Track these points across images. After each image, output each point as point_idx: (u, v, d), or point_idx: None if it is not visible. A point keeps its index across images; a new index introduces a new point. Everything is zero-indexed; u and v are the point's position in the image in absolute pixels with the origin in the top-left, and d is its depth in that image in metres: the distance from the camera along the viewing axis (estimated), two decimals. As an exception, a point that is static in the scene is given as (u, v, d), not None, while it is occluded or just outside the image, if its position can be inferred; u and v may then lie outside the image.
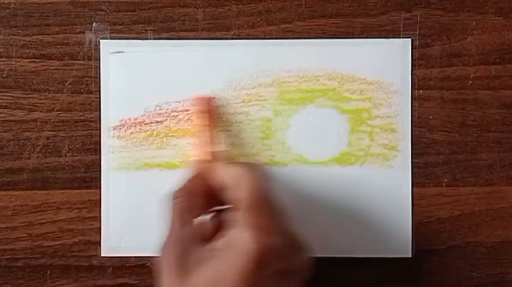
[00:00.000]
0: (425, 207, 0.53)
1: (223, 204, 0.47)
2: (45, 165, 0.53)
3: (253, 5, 0.53)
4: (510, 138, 0.53)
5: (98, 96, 0.53)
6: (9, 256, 0.53)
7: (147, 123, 0.53)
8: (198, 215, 0.46)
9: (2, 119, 0.53)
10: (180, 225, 0.44)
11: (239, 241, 0.41)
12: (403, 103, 0.53)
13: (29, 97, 0.53)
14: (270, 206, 0.43)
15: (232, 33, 0.53)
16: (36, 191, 0.53)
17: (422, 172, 0.53)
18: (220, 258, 0.41)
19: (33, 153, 0.53)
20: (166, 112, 0.53)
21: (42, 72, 0.53)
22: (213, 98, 0.53)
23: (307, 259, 0.44)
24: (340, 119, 0.53)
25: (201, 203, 0.46)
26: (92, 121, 0.53)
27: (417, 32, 0.53)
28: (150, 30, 0.53)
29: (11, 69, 0.53)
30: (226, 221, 0.45)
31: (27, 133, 0.53)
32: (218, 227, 0.45)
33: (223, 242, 0.42)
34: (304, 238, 0.45)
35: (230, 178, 0.45)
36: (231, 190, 0.45)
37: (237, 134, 0.53)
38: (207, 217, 0.47)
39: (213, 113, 0.52)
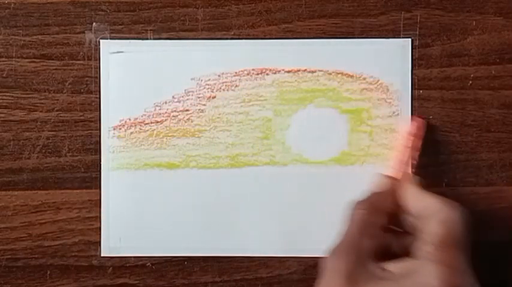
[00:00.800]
0: (425, 207, 0.53)
1: (400, 226, 0.47)
2: (45, 165, 0.53)
3: (253, 5, 0.53)
4: (510, 139, 0.53)
5: (98, 96, 0.53)
6: (9, 256, 0.54)
7: (147, 123, 0.53)
8: (377, 232, 0.45)
9: (2, 119, 0.53)
10: (359, 235, 0.44)
11: (424, 274, 0.41)
12: (403, 103, 0.53)
13: (29, 97, 0.53)
14: (461, 246, 0.43)
15: (232, 33, 0.53)
16: (36, 191, 0.53)
17: (422, 172, 0.53)
18: (396, 283, 0.41)
19: (33, 153, 0.53)
20: (166, 112, 0.53)
21: (42, 72, 0.53)
22: (424, 122, 0.52)
23: None
24: (340, 119, 0.53)
25: (383, 220, 0.45)
26: (92, 121, 0.53)
27: (417, 32, 0.53)
28: (150, 30, 0.53)
29: (11, 69, 0.53)
30: (409, 249, 0.44)
31: (27, 133, 0.53)
32: (393, 249, 0.45)
33: (402, 269, 0.42)
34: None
35: (423, 207, 0.45)
36: (422, 220, 0.44)
37: (237, 134, 0.53)
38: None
39: (419, 137, 0.51)
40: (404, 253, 0.45)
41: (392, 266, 0.43)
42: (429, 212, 0.44)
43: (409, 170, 0.50)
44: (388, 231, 0.47)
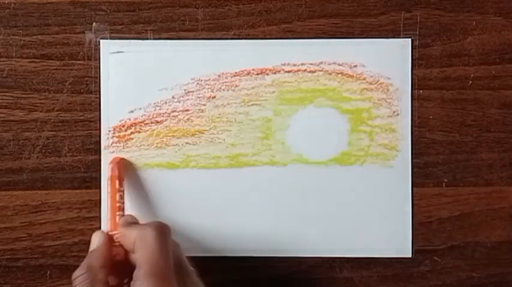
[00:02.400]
0: (425, 207, 0.53)
1: None
2: (45, 165, 0.53)
3: (253, 5, 0.53)
4: (510, 139, 0.53)
5: (98, 96, 0.53)
6: (9, 256, 0.53)
7: (147, 123, 0.53)
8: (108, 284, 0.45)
9: (2, 119, 0.53)
10: None
11: None
12: (403, 103, 0.53)
13: (29, 97, 0.53)
14: (166, 271, 0.43)
15: (232, 33, 0.53)
16: (36, 191, 0.53)
17: (422, 172, 0.53)
18: None
19: (33, 153, 0.53)
20: (166, 112, 0.53)
21: (42, 72, 0.53)
22: (121, 159, 0.52)
23: None
24: (340, 119, 0.53)
25: (104, 275, 0.45)
26: (92, 121, 0.53)
27: (417, 32, 0.53)
28: (150, 30, 0.53)
29: (11, 69, 0.53)
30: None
31: (27, 133, 0.53)
32: None
33: None
34: None
35: (128, 243, 0.46)
36: (133, 255, 0.45)
37: (237, 134, 0.53)
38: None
39: (120, 177, 0.51)
40: None
41: None
42: (133, 244, 0.45)
43: (118, 214, 0.49)
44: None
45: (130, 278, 0.44)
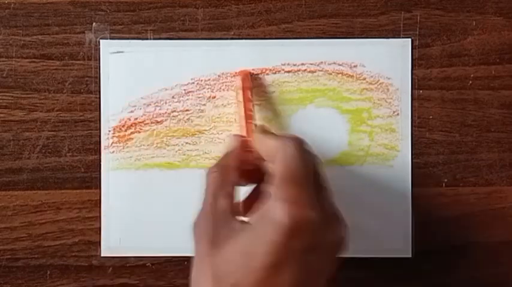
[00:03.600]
0: (425, 207, 0.53)
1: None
2: (45, 165, 0.53)
3: (253, 5, 0.53)
4: (510, 138, 0.53)
5: (98, 96, 0.53)
6: (9, 256, 0.54)
7: (147, 123, 0.53)
8: (231, 190, 0.45)
9: (2, 119, 0.53)
10: (212, 199, 0.44)
11: (271, 213, 0.41)
12: (403, 103, 0.53)
13: (29, 97, 0.53)
14: (304, 179, 0.42)
15: (232, 33, 0.53)
16: (36, 191, 0.53)
17: (422, 172, 0.53)
18: (251, 230, 0.41)
19: (33, 153, 0.53)
20: (166, 112, 0.53)
21: (42, 72, 0.53)
22: (252, 73, 0.52)
23: (341, 235, 0.44)
24: (340, 119, 0.53)
25: (236, 177, 0.45)
26: (92, 121, 0.53)
27: (417, 32, 0.53)
28: (150, 30, 0.53)
29: (11, 69, 0.53)
30: (262, 195, 0.44)
31: (27, 133, 0.53)
32: (256, 201, 0.45)
33: (256, 215, 0.42)
34: (341, 215, 0.44)
35: (265, 150, 0.46)
36: (267, 163, 0.45)
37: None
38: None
39: (250, 88, 0.51)
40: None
41: (252, 216, 0.43)
42: (270, 154, 0.44)
43: (251, 122, 0.49)
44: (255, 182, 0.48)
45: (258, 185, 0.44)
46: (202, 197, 0.45)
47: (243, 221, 0.43)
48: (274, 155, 0.44)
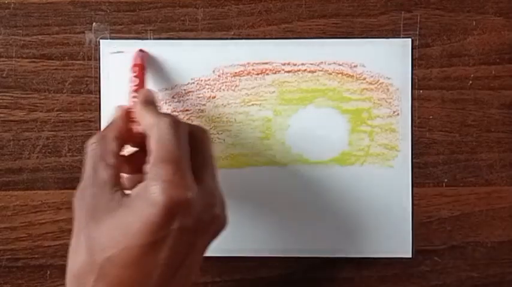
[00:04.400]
0: (425, 207, 0.53)
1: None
2: (45, 165, 0.53)
3: (253, 5, 0.53)
4: (510, 138, 0.53)
5: (98, 96, 0.53)
6: (9, 256, 0.53)
7: (147, 123, 0.53)
8: (118, 160, 0.44)
9: (2, 119, 0.53)
10: (92, 171, 0.43)
11: (148, 192, 0.41)
12: (403, 103, 0.53)
13: (29, 97, 0.53)
14: (179, 158, 0.42)
15: (232, 33, 0.53)
16: (36, 191, 0.53)
17: (422, 172, 0.53)
18: (129, 207, 0.41)
19: (33, 153, 0.53)
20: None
21: (42, 72, 0.53)
22: (144, 53, 0.52)
23: (220, 215, 0.44)
24: (340, 119, 0.53)
25: (116, 147, 0.44)
26: (92, 121, 0.53)
27: (417, 32, 0.53)
28: (150, 30, 0.53)
29: (11, 69, 0.53)
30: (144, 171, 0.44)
31: (27, 133, 0.53)
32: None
33: (135, 193, 0.42)
34: (221, 194, 0.44)
35: (144, 125, 0.45)
36: (147, 139, 0.44)
37: (237, 134, 0.53)
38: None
39: (140, 66, 0.50)
40: None
41: (132, 193, 0.42)
42: (148, 130, 0.44)
43: (135, 96, 0.48)
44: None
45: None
46: (84, 170, 0.44)
47: (123, 194, 0.42)
48: (149, 131, 0.44)
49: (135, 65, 0.50)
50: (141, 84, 0.50)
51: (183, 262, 0.42)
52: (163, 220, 0.40)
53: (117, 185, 0.43)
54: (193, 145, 0.44)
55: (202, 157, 0.45)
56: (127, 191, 0.43)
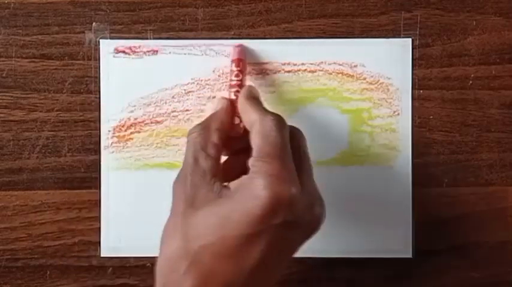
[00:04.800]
0: (426, 207, 0.53)
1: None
2: (45, 165, 0.53)
3: (253, 5, 0.53)
4: (510, 138, 0.53)
5: (98, 96, 0.53)
6: (9, 256, 0.53)
7: (147, 123, 0.53)
8: (219, 151, 0.45)
9: (2, 119, 0.53)
10: (192, 160, 0.44)
11: (252, 186, 0.41)
12: (403, 103, 0.53)
13: (29, 97, 0.53)
14: (283, 154, 0.42)
15: (232, 33, 0.53)
16: (36, 191, 0.53)
17: (422, 172, 0.53)
18: (231, 197, 0.41)
19: (33, 153, 0.53)
20: (166, 112, 0.53)
21: (42, 72, 0.53)
22: (242, 46, 0.52)
23: (319, 215, 0.44)
24: (340, 119, 0.53)
25: (218, 139, 0.45)
26: (92, 121, 0.53)
27: (417, 32, 0.53)
28: (150, 30, 0.53)
29: (11, 69, 0.53)
30: (246, 165, 0.44)
31: (27, 133, 0.53)
32: (240, 168, 0.45)
33: (236, 185, 0.42)
34: (320, 194, 0.44)
35: (248, 120, 0.45)
36: (250, 134, 0.44)
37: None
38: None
39: (241, 60, 0.51)
40: None
41: (232, 185, 0.43)
42: (251, 125, 0.44)
43: (238, 90, 0.49)
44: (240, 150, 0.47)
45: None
46: (183, 157, 0.45)
47: (223, 186, 0.43)
48: (253, 126, 0.44)
49: (236, 60, 0.50)
50: (243, 79, 0.50)
51: (277, 258, 0.42)
52: (266, 214, 0.40)
53: (216, 176, 0.43)
54: (292, 145, 0.44)
55: (301, 157, 0.45)
56: (225, 184, 0.43)
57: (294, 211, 0.41)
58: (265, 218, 0.40)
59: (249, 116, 0.45)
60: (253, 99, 0.47)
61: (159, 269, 0.42)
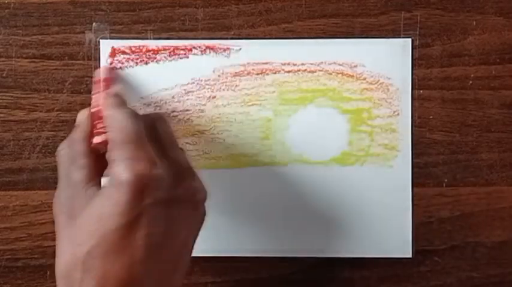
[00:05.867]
0: (425, 207, 0.53)
1: None
2: (45, 165, 0.53)
3: (253, 5, 0.53)
4: (510, 138, 0.53)
5: (98, 96, 0.53)
6: (9, 256, 0.53)
7: (147, 123, 0.53)
8: (90, 158, 0.45)
9: (2, 119, 0.53)
10: (65, 175, 0.44)
11: (115, 174, 0.41)
12: (403, 103, 0.53)
13: (29, 97, 0.53)
14: (139, 139, 0.43)
15: (232, 33, 0.53)
16: (36, 191, 0.53)
17: (422, 172, 0.53)
18: (101, 195, 0.42)
19: (33, 153, 0.53)
20: (166, 112, 0.53)
21: (42, 72, 0.53)
22: (112, 68, 0.52)
23: (197, 187, 0.45)
24: (340, 119, 0.53)
25: (86, 147, 0.45)
26: (92, 121, 0.53)
27: (417, 32, 0.53)
28: (150, 30, 0.53)
29: (11, 69, 0.53)
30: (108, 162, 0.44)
31: (27, 133, 0.53)
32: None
33: (105, 181, 0.43)
34: (193, 169, 0.45)
35: (105, 120, 0.46)
36: (108, 133, 0.45)
37: (237, 134, 0.53)
38: None
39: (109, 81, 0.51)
40: None
41: (103, 183, 0.44)
42: (108, 122, 0.45)
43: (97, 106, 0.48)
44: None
45: None
46: (58, 176, 0.45)
47: (98, 188, 0.43)
48: (107, 121, 0.45)
49: (101, 81, 0.50)
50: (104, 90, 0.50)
51: (165, 240, 0.42)
52: (133, 198, 0.41)
53: (91, 181, 0.44)
54: (151, 130, 0.45)
55: (162, 138, 0.46)
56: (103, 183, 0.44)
57: (163, 188, 0.42)
58: (133, 202, 0.41)
59: (105, 114, 0.46)
60: (112, 98, 0.47)
61: (58, 284, 0.43)
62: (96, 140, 0.46)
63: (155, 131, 0.46)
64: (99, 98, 0.48)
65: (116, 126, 0.44)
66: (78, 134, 0.46)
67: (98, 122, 0.46)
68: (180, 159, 0.46)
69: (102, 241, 0.41)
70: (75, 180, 0.44)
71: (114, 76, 0.51)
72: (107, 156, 0.44)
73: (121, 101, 0.47)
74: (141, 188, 0.41)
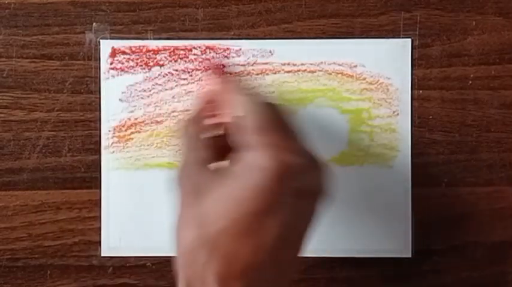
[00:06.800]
0: (425, 207, 0.53)
1: None
2: (45, 165, 0.53)
3: (253, 5, 0.53)
4: (510, 138, 0.53)
5: (98, 96, 0.53)
6: (9, 256, 0.54)
7: (147, 123, 0.53)
8: (210, 137, 0.45)
9: (2, 119, 0.53)
10: (188, 150, 0.44)
11: (256, 160, 0.40)
12: (403, 103, 0.53)
13: (29, 97, 0.53)
14: (278, 126, 0.42)
15: (232, 33, 0.53)
16: (36, 191, 0.53)
17: (422, 172, 0.53)
18: (236, 177, 0.41)
19: (33, 153, 0.53)
20: (166, 112, 0.53)
21: (42, 72, 0.53)
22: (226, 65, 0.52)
23: (325, 180, 0.43)
24: (340, 119, 0.53)
25: (210, 128, 0.45)
26: (92, 121, 0.53)
27: (417, 32, 0.53)
28: (150, 30, 0.53)
29: (11, 69, 0.53)
30: (235, 145, 0.43)
31: (27, 133, 0.53)
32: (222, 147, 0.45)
33: (239, 164, 0.42)
34: (322, 158, 0.44)
35: (233, 101, 0.45)
36: (234, 117, 0.44)
37: None
38: None
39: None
40: None
41: (232, 165, 0.42)
42: (238, 104, 0.44)
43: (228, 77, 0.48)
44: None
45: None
46: (180, 152, 0.45)
47: (223, 169, 0.42)
48: (240, 104, 0.44)
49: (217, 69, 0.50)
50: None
51: (296, 232, 0.42)
52: (274, 184, 0.40)
53: (216, 161, 0.43)
54: (281, 118, 0.44)
55: (291, 127, 0.44)
56: (223, 163, 0.43)
57: (301, 178, 0.41)
58: (275, 188, 0.40)
59: (235, 100, 0.45)
60: (235, 83, 0.47)
61: (179, 264, 0.42)
62: (209, 122, 0.46)
63: (282, 119, 0.45)
64: (215, 82, 0.47)
65: (253, 110, 0.43)
66: (203, 112, 0.46)
67: (211, 105, 0.46)
68: (309, 148, 0.44)
69: (236, 223, 0.40)
70: (201, 156, 0.43)
71: (226, 64, 0.51)
72: (232, 139, 0.43)
73: (244, 87, 0.47)
74: (282, 177, 0.40)
